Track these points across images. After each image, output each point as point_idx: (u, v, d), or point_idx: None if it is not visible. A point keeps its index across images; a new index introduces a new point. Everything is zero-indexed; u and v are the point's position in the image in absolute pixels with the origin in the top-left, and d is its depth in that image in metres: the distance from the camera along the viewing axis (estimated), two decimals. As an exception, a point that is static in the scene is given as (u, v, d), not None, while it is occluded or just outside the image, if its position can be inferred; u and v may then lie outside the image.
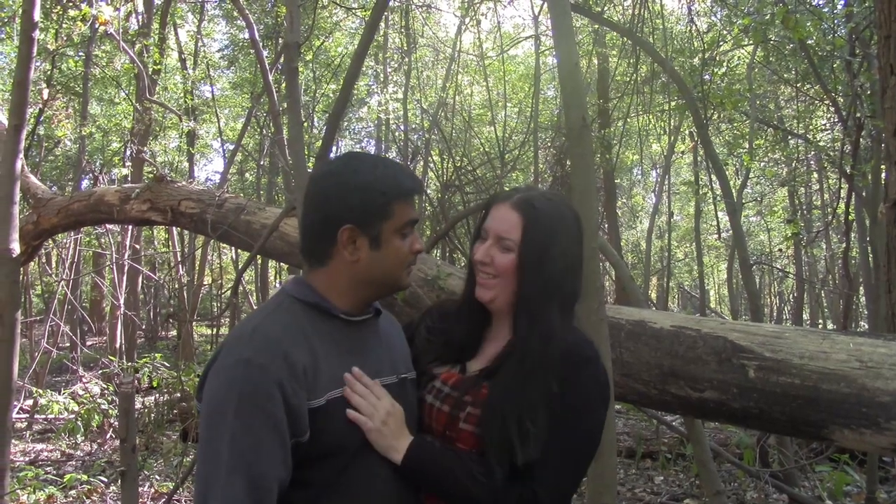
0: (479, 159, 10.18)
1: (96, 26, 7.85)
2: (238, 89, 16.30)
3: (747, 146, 9.31)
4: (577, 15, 7.33)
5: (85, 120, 10.89)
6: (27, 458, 6.71)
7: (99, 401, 7.61)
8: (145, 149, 9.66)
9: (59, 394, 8.59)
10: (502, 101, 12.66)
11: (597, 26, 9.67)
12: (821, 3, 7.82)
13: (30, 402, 8.39)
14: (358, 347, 1.48)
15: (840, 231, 9.50)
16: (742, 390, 2.42)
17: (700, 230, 11.66)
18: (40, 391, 8.28)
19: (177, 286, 12.33)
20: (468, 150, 10.45)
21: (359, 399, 1.42)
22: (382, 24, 10.89)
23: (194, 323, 14.65)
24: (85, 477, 5.57)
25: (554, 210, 1.55)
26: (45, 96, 9.15)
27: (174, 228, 11.75)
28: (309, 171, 3.68)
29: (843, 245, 6.91)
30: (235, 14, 11.93)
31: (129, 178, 9.83)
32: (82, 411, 7.36)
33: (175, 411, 7.69)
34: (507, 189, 2.52)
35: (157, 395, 8.36)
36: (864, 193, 6.78)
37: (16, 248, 3.99)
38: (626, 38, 7.99)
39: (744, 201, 11.27)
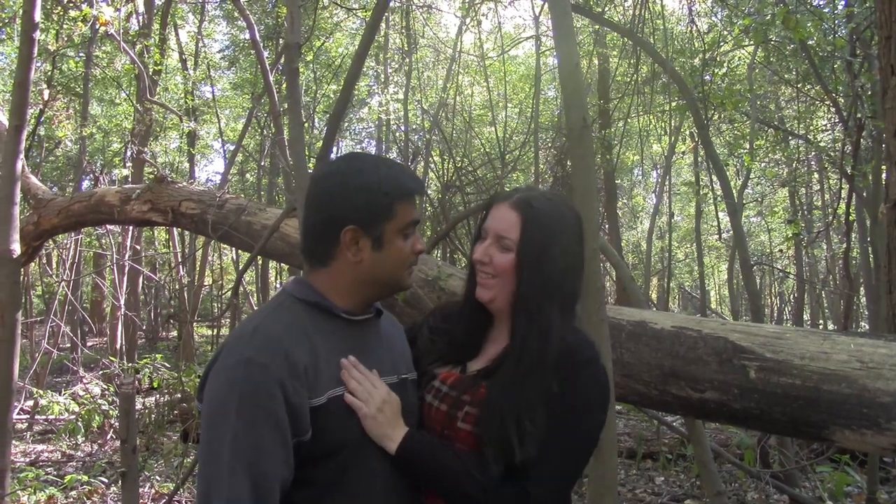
0: (479, 160, 10.17)
1: (97, 27, 7.86)
2: (239, 90, 16.31)
3: (748, 147, 9.30)
4: (577, 15, 7.33)
5: (85, 120, 10.89)
6: (28, 459, 6.71)
7: (99, 401, 7.61)
8: (146, 149, 9.66)
9: (60, 394, 8.58)
10: (503, 102, 12.66)
11: (597, 27, 9.67)
12: (821, 3, 7.83)
13: (30, 402, 8.39)
14: (359, 347, 1.48)
15: (841, 231, 9.51)
16: (743, 391, 2.42)
17: (701, 231, 11.66)
18: (41, 392, 8.28)
19: (177, 287, 12.34)
20: (469, 150, 10.44)
21: (355, 384, 1.42)
22: (383, 25, 10.89)
23: (195, 324, 14.68)
24: (85, 478, 5.56)
25: (553, 210, 1.55)
26: (46, 97, 9.16)
27: (175, 229, 11.77)
28: (310, 171, 3.68)
29: (844, 245, 6.91)
30: (236, 15, 11.94)
31: (130, 179, 9.83)
32: (83, 412, 7.36)
33: (176, 412, 7.68)
34: (507, 189, 2.52)
35: (158, 396, 8.36)
36: (864, 194, 6.78)
37: (16, 248, 4.00)
38: (626, 39, 8.00)
39: (744, 202, 11.27)
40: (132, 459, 3.40)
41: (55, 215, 5.82)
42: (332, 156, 5.30)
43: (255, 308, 12.07)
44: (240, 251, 11.60)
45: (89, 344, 14.11)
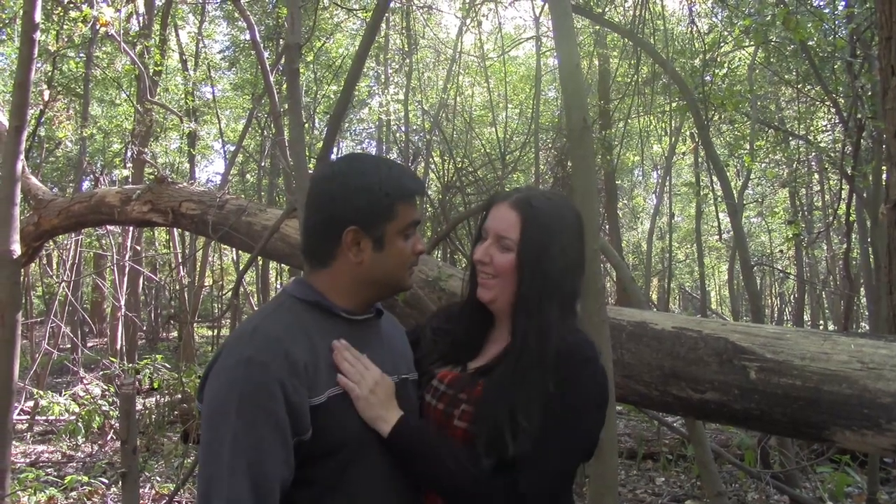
0: (480, 160, 10.17)
1: (97, 27, 7.86)
2: (239, 90, 16.33)
3: (748, 147, 9.32)
4: (578, 16, 7.33)
5: (86, 121, 10.90)
6: (28, 460, 6.71)
7: (100, 402, 7.60)
8: (146, 150, 9.65)
9: (60, 395, 8.58)
10: (503, 103, 12.66)
11: (598, 27, 9.67)
12: (822, 4, 7.83)
13: (30, 403, 8.39)
14: (359, 346, 1.48)
15: (841, 232, 9.51)
16: (743, 391, 2.42)
17: (701, 231, 11.66)
18: (41, 392, 8.28)
19: (178, 287, 12.32)
20: (469, 151, 10.45)
21: (347, 366, 1.42)
22: (383, 26, 10.89)
23: (195, 324, 14.67)
24: (86, 478, 5.56)
25: (553, 209, 1.55)
26: (46, 98, 9.16)
27: (175, 230, 11.76)
28: (310, 172, 3.68)
29: (844, 246, 6.92)
30: (236, 15, 11.94)
31: (130, 180, 9.82)
32: (83, 413, 7.36)
33: (176, 413, 7.68)
34: (507, 190, 2.51)
35: (158, 397, 8.35)
36: (864, 194, 6.77)
37: (16, 249, 4.00)
38: (627, 40, 8.00)
39: (745, 202, 11.28)
40: (132, 460, 3.39)
41: (55, 216, 5.83)
42: (333, 156, 5.30)
43: (256, 309, 12.06)
44: (240, 252, 11.61)
45: (89, 344, 14.11)
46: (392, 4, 9.73)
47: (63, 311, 10.56)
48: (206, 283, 15.70)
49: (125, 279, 10.69)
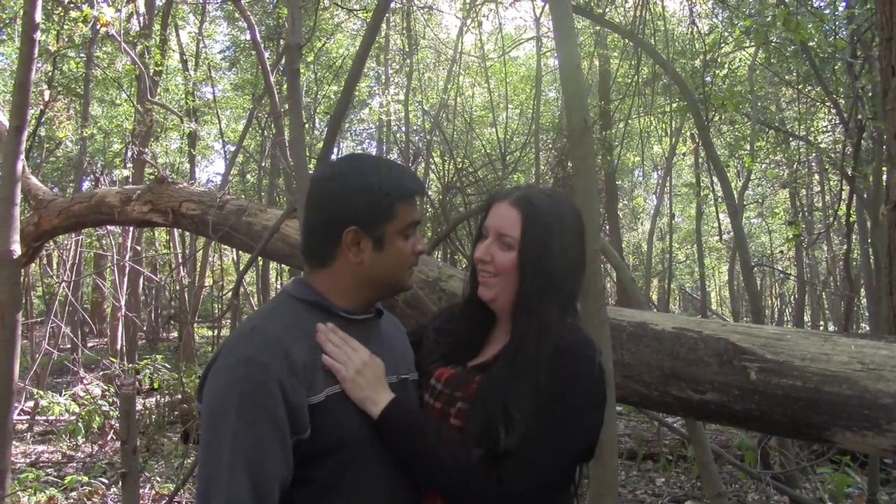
0: (480, 161, 10.18)
1: (97, 28, 7.87)
2: (239, 91, 16.33)
3: (749, 148, 9.31)
4: (578, 17, 7.33)
5: (86, 121, 10.90)
6: (28, 460, 6.71)
7: (100, 402, 7.61)
8: (146, 150, 9.66)
9: (60, 395, 8.57)
10: (504, 103, 12.67)
11: (598, 28, 9.68)
12: (822, 4, 7.83)
13: (31, 403, 8.39)
14: (359, 346, 1.48)
15: (841, 233, 9.52)
16: (743, 392, 2.42)
17: (701, 232, 11.67)
18: (41, 393, 8.28)
19: (178, 288, 12.32)
20: (469, 151, 10.47)
21: (332, 347, 1.41)
22: (384, 26, 10.89)
23: (195, 324, 14.67)
24: (86, 479, 5.56)
25: (553, 207, 1.54)
26: (47, 98, 9.16)
27: (175, 230, 11.76)
28: (310, 172, 3.68)
29: (845, 247, 6.92)
30: (237, 15, 11.95)
31: (131, 180, 9.83)
32: (83, 413, 7.36)
33: (176, 413, 7.69)
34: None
35: (159, 397, 8.35)
36: (865, 195, 6.78)
37: (17, 249, 4.00)
38: (627, 40, 8.01)
39: (745, 203, 11.29)
40: (132, 460, 3.39)
41: (56, 216, 5.83)
42: (333, 157, 5.30)
43: (256, 309, 12.06)
44: (240, 252, 11.61)
45: (90, 345, 14.11)
46: (392, 5, 9.73)
47: (63, 311, 10.56)
48: (206, 284, 15.70)
49: (125, 279, 10.69)
